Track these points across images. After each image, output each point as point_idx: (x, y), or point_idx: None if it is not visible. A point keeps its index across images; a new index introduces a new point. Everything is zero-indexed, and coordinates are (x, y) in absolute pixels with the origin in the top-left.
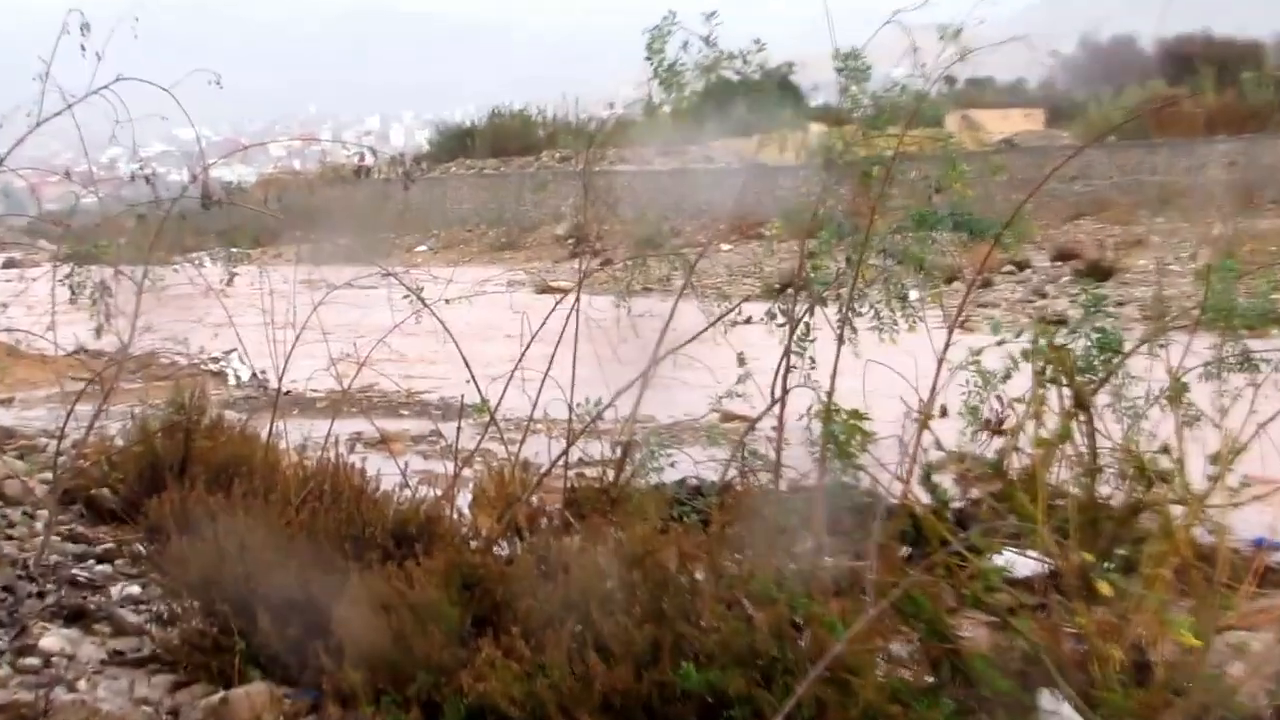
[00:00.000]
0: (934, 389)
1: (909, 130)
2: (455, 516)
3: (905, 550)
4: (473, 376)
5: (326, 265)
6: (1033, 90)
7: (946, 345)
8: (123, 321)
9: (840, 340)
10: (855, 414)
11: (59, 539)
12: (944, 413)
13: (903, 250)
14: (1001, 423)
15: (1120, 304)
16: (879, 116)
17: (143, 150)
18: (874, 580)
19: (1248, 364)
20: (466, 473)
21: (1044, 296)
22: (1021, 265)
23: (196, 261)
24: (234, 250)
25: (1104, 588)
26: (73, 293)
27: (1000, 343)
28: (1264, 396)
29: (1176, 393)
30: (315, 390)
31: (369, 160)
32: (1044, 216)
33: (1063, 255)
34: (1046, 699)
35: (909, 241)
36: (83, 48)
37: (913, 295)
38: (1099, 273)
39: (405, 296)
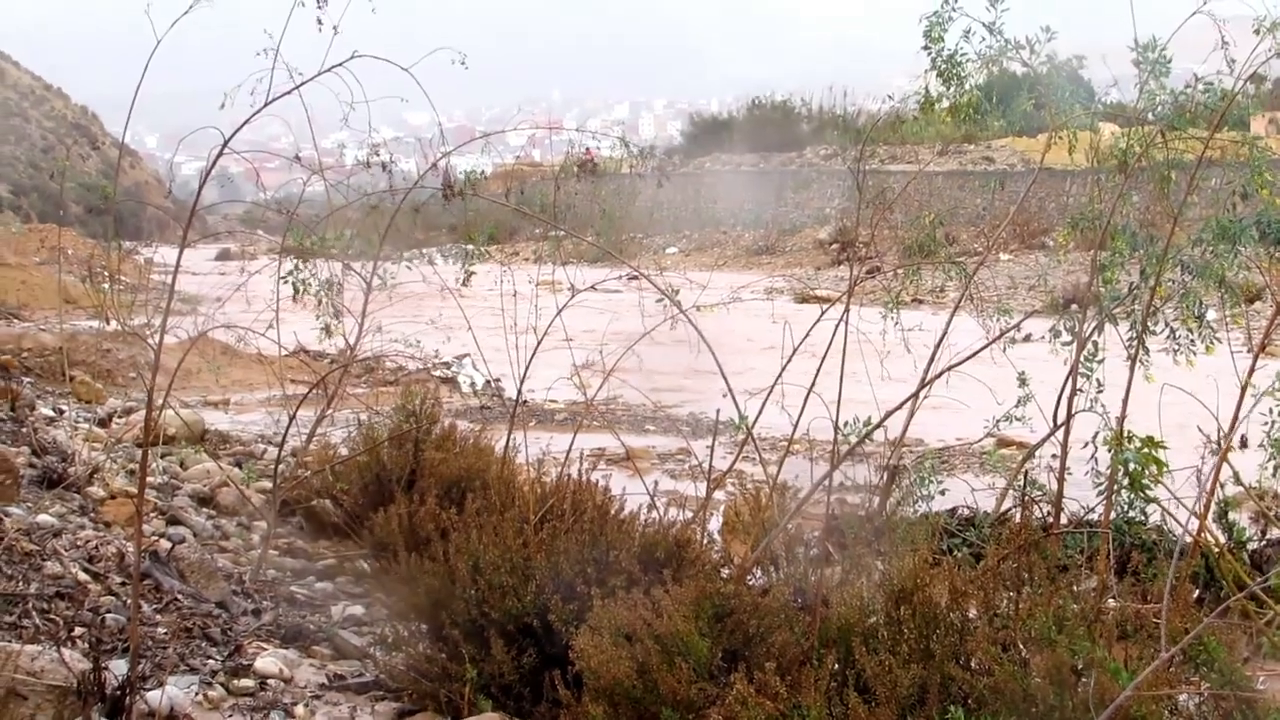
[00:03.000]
0: (1235, 418)
1: (1212, 133)
2: (706, 542)
3: (1196, 592)
4: (729, 389)
5: (568, 265)
6: None
7: (1251, 370)
8: (349, 321)
9: (1133, 362)
10: (1150, 442)
11: (277, 553)
12: (1244, 444)
13: (1202, 265)
14: None
15: None
16: (1179, 117)
17: (375, 136)
18: (1164, 624)
19: None
20: (719, 495)
21: None
22: None
23: (428, 258)
24: (468, 247)
25: None
26: (295, 290)
27: None
28: None
29: None
30: (555, 401)
31: (599, 153)
32: None
33: None
34: None
35: (1209, 255)
36: (319, 21)
37: (1211, 315)
38: None
39: (659, 300)
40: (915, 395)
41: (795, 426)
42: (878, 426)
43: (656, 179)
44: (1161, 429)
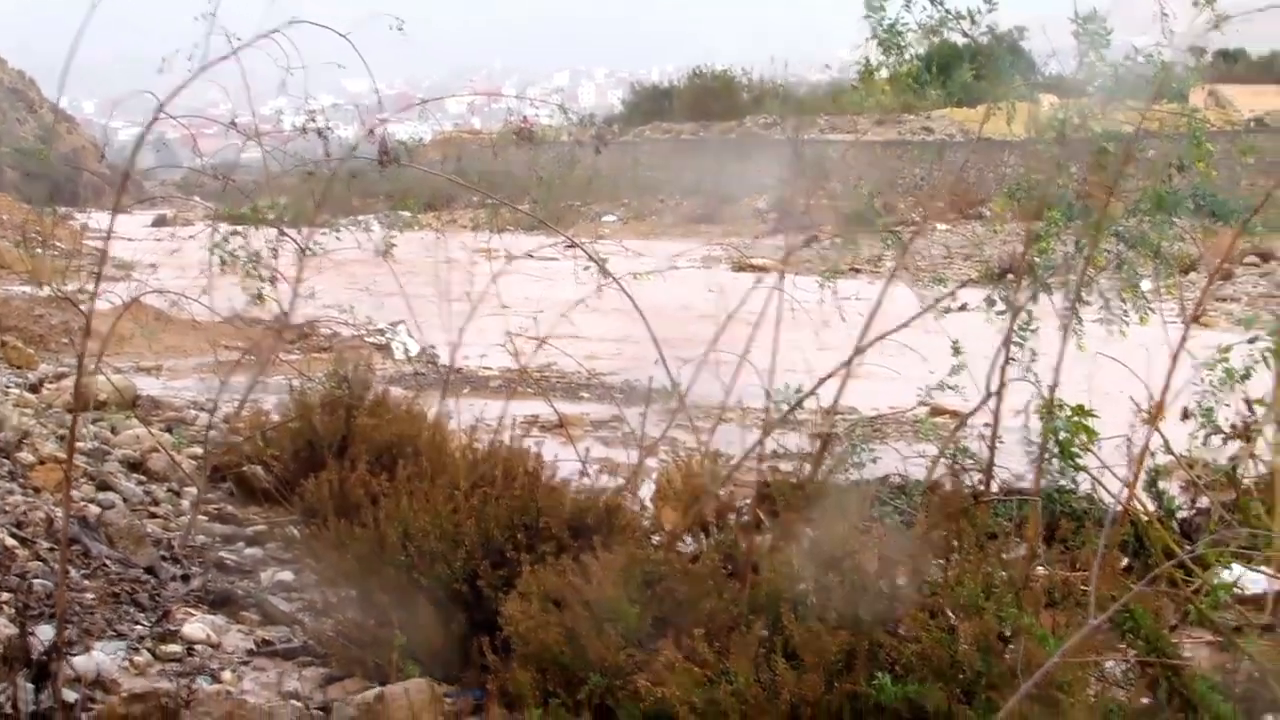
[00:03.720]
0: (1166, 388)
1: (1150, 105)
2: (637, 509)
3: (1125, 561)
4: (662, 357)
5: (505, 233)
6: None
7: (1183, 340)
8: (283, 288)
9: (1066, 331)
10: (1080, 410)
11: (206, 519)
12: (1185, 415)
13: (1138, 235)
14: (1249, 428)
15: None
16: (1118, 89)
17: (312, 103)
18: (1092, 592)
19: None
20: (650, 462)
21: None
22: (1266, 257)
23: (364, 225)
24: (404, 215)
25: None
26: (223, 261)
27: (1253, 340)
28: None
29: None
30: (489, 368)
31: (538, 121)
32: None
33: None
34: None
35: (1145, 226)
36: None
37: (1145, 285)
38: None
39: (586, 268)
40: (848, 363)
41: (727, 394)
42: (810, 394)
43: (594, 146)
44: (1094, 399)
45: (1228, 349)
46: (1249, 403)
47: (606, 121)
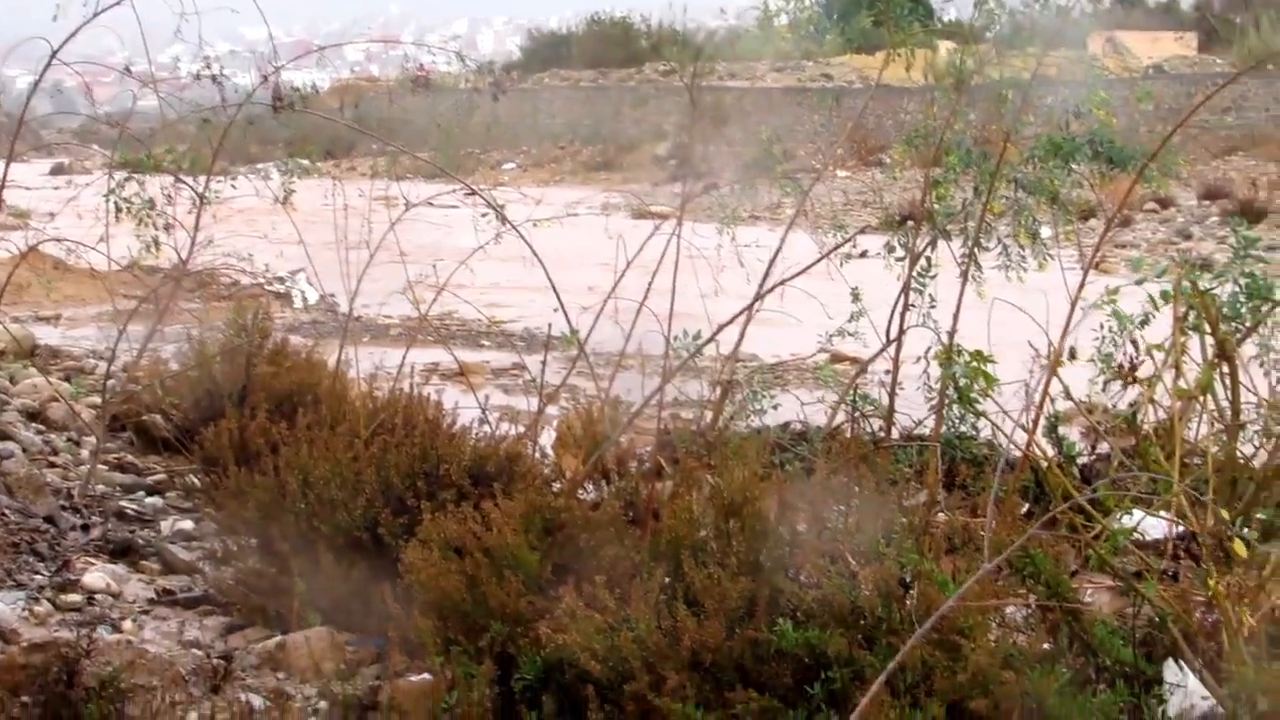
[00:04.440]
0: (1065, 333)
1: (1049, 52)
2: (538, 456)
3: (1026, 506)
4: (561, 305)
5: (405, 181)
6: (1186, 12)
7: (1081, 286)
8: (181, 235)
9: (964, 277)
10: (978, 356)
11: (106, 468)
12: (1073, 355)
13: (1036, 182)
14: (1135, 370)
15: (1272, 248)
16: (1016, 35)
17: (208, 50)
18: (990, 537)
19: None
20: (551, 410)
21: (1188, 238)
22: (1165, 203)
23: (263, 173)
24: (302, 162)
25: (1239, 548)
26: (118, 209)
27: (1139, 283)
28: None
29: None
30: (389, 316)
31: (436, 68)
32: (1192, 151)
33: (1211, 194)
34: (1171, 670)
35: (1043, 172)
36: None
37: (1045, 232)
38: (1250, 214)
39: (484, 214)
40: (748, 309)
41: (627, 341)
42: (709, 341)
43: (493, 94)
44: (993, 345)
45: (1115, 292)
46: (1135, 345)
47: (505, 69)
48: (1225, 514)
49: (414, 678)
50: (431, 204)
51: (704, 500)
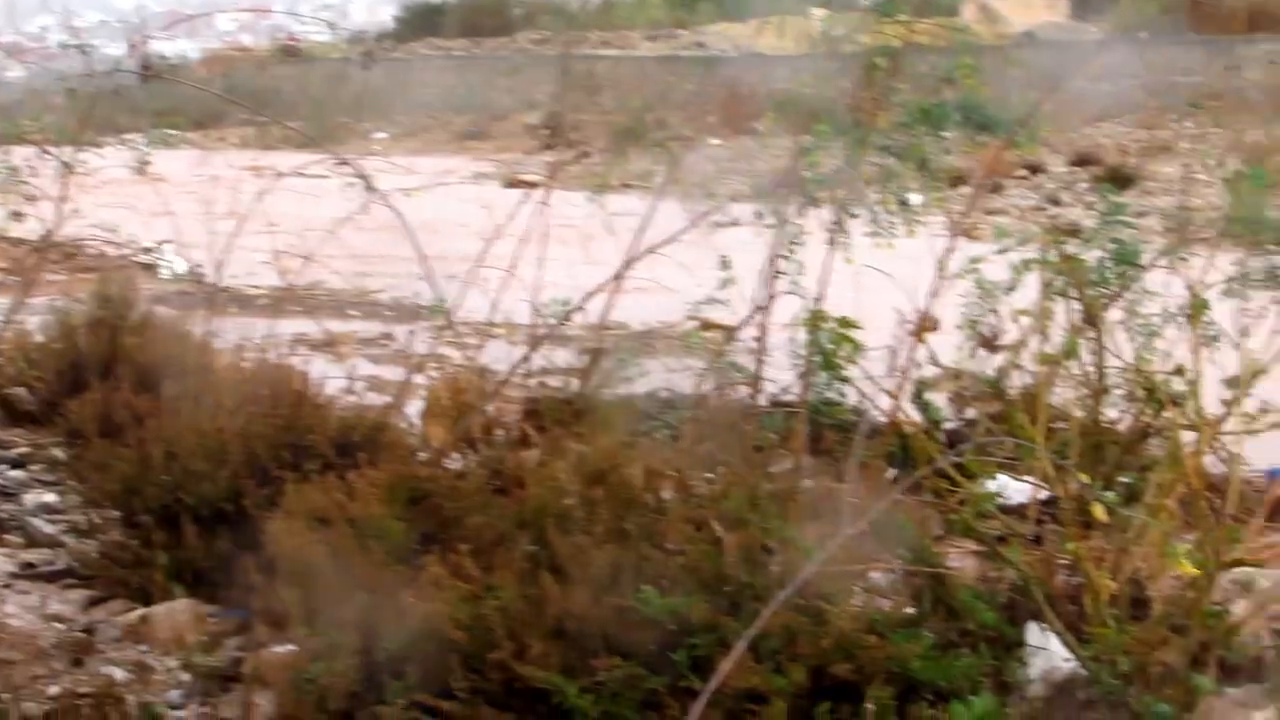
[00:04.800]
0: (929, 300)
1: (919, 19)
2: (404, 426)
3: (892, 472)
4: (429, 275)
5: (274, 151)
6: None
7: (948, 253)
8: (46, 206)
9: (832, 245)
10: (844, 322)
11: None
12: (934, 324)
13: (904, 149)
14: (997, 338)
15: (1141, 214)
16: (888, 2)
17: (76, 20)
18: (854, 502)
19: (1274, 280)
20: (418, 379)
21: (1058, 204)
22: (1035, 170)
23: (131, 144)
24: (168, 133)
25: (1098, 511)
26: None
27: (1002, 251)
28: None
29: (1195, 310)
30: (256, 286)
31: (308, 38)
32: (1062, 117)
33: (1081, 160)
34: (1034, 633)
35: (912, 139)
36: None
37: (914, 199)
38: (1119, 180)
39: (354, 184)
40: (616, 277)
41: (493, 310)
42: (577, 309)
43: (364, 63)
44: (864, 312)
45: (977, 260)
46: (996, 313)
47: (377, 38)
48: (1088, 478)
49: (277, 649)
50: (301, 174)
51: (570, 468)
